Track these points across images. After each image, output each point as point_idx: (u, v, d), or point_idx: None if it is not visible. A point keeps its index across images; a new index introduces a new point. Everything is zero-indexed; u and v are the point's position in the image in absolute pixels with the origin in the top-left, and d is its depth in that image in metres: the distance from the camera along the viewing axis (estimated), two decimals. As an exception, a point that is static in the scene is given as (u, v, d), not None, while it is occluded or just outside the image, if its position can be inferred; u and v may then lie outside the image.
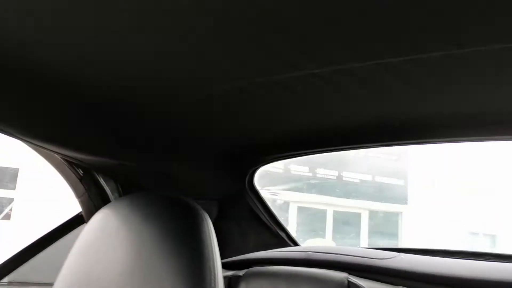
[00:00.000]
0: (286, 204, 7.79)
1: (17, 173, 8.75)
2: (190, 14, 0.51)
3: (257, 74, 0.67)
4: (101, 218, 0.75)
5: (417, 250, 1.23)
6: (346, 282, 1.03)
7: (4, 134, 0.75)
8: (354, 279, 1.03)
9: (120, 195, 0.99)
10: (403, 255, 1.11)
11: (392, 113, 0.83)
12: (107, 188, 0.97)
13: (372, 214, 7.78)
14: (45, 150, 0.87)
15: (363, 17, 0.52)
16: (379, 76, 0.67)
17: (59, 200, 8.13)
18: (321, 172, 7.59)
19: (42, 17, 0.51)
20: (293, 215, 7.51)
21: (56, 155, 0.88)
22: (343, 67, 0.64)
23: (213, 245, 0.69)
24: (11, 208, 8.66)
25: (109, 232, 0.72)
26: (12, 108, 0.69)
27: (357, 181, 7.65)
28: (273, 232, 1.35)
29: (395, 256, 1.09)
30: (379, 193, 7.69)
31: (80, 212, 1.01)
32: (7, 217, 8.62)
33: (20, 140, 0.79)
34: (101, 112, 0.74)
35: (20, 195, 8.67)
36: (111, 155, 0.88)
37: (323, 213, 7.69)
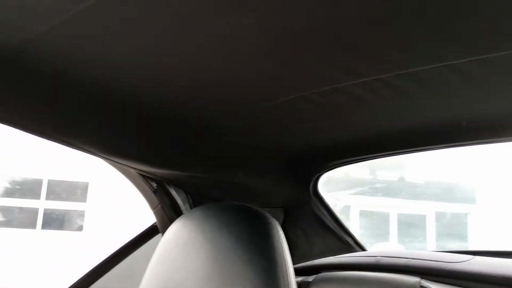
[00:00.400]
0: (347, 208, 7.68)
1: (87, 186, 9.23)
2: (253, 33, 0.54)
3: (321, 84, 0.69)
4: (177, 229, 0.79)
5: (492, 252, 1.18)
6: (419, 286, 1.01)
7: (87, 153, 0.82)
8: (427, 284, 1.01)
9: (190, 206, 1.04)
10: (477, 257, 1.08)
11: (457, 114, 0.81)
12: (178, 199, 1.02)
13: (439, 215, 7.49)
14: (121, 166, 0.93)
15: (427, 20, 0.52)
16: (444, 78, 0.67)
17: (126, 210, 8.48)
18: (383, 174, 7.42)
19: (126, 53, 0.56)
20: (354, 219, 7.38)
21: (131, 170, 0.94)
22: (408, 71, 0.65)
23: (285, 252, 0.71)
24: (83, 220, 9.13)
25: (185, 242, 0.76)
26: (94, 130, 0.75)
27: (421, 182, 7.41)
28: (339, 238, 1.34)
29: (469, 259, 1.06)
30: (445, 193, 7.39)
31: (155, 223, 1.06)
32: (80, 228, 9.10)
33: (101, 158, 0.85)
34: (173, 129, 0.79)
35: (90, 208, 9.14)
36: (182, 168, 0.92)
37: (386, 216, 7.50)
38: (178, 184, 1.00)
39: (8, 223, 9.00)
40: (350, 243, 1.37)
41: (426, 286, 1.01)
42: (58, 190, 9.22)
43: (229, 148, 0.90)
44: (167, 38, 0.54)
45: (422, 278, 1.04)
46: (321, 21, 0.52)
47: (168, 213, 1.02)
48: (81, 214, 9.15)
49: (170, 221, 1.01)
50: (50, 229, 8.99)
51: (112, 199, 8.79)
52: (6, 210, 9.01)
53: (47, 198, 9.08)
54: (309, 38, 0.56)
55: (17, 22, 0.53)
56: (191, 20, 0.51)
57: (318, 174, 1.17)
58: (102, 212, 8.91)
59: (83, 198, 9.18)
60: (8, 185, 9.15)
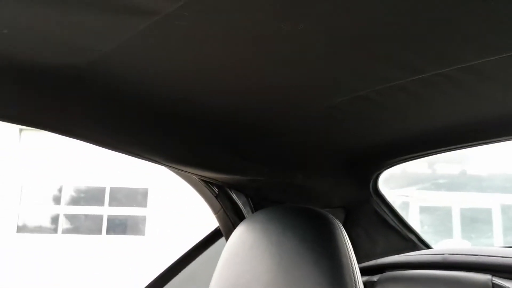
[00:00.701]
0: (406, 205, 7.47)
1: (147, 192, 9.56)
2: (308, 36, 0.54)
3: (378, 82, 0.68)
4: (241, 232, 0.81)
5: None
6: (491, 284, 0.98)
7: (152, 162, 0.86)
8: (499, 281, 0.98)
9: (251, 209, 1.05)
10: (554, 253, 1.02)
11: None
12: (239, 203, 1.04)
13: (505, 208, 7.13)
14: (183, 172, 0.97)
15: (487, 11, 0.51)
16: (506, 69, 0.64)
17: (184, 214, 8.67)
18: (443, 168, 7.16)
19: (194, 73, 0.58)
20: (414, 215, 7.17)
21: (193, 176, 0.97)
22: (468, 64, 0.63)
23: (350, 252, 0.71)
24: (145, 224, 9.46)
25: (250, 245, 0.77)
26: (159, 141, 0.78)
27: (484, 174, 7.08)
28: (403, 236, 1.32)
29: (545, 255, 1.01)
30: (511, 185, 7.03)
31: (218, 227, 1.09)
32: (142, 232, 9.44)
33: (164, 166, 0.89)
34: (232, 135, 0.81)
35: (150, 213, 9.45)
36: (242, 172, 0.94)
37: (448, 212, 7.23)
38: (239, 188, 1.02)
39: (75, 230, 9.48)
40: (414, 241, 1.34)
41: (498, 284, 0.97)
42: (119, 196, 9.61)
43: (288, 151, 0.91)
44: (225, 47, 0.56)
45: (493, 275, 1.01)
46: (377, 20, 0.52)
47: (230, 217, 1.05)
48: (142, 219, 9.48)
49: (233, 224, 1.04)
50: (114, 234, 9.38)
51: (170, 203, 9.05)
52: (73, 217, 9.50)
53: (110, 204, 9.49)
54: (365, 37, 0.56)
55: (83, 43, 0.57)
56: (249, 27, 0.52)
57: (378, 172, 1.15)
58: (162, 216, 9.19)
59: (143, 203, 9.51)
60: (73, 194, 9.64)
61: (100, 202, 9.47)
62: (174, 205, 8.96)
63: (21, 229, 9.19)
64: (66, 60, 0.60)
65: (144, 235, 9.39)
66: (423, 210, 7.16)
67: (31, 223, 9.38)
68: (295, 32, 0.54)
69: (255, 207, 1.09)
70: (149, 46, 0.57)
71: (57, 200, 9.45)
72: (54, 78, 0.65)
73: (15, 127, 8.29)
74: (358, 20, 0.52)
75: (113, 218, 9.45)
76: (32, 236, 9.20)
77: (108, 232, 9.35)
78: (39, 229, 9.40)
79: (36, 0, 0.47)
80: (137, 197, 9.66)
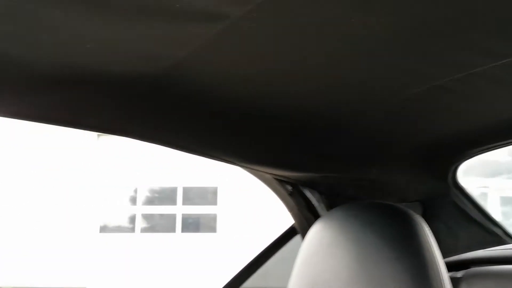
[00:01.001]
0: (484, 195, 7.07)
1: (217, 191, 9.79)
2: (389, 30, 0.53)
3: (457, 70, 0.66)
4: (318, 230, 0.81)
5: None
6: None
7: (226, 163, 0.88)
8: None
9: (326, 206, 1.05)
10: None
11: None
12: (314, 200, 1.04)
13: None
14: (257, 172, 0.98)
15: None
16: None
17: (254, 212, 8.76)
18: (524, 155, 6.70)
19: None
20: (495, 207, 6.77)
21: (267, 175, 0.99)
22: None
23: (433, 248, 0.69)
24: (216, 222, 9.69)
25: (328, 243, 0.77)
26: (234, 142, 0.80)
27: None
28: (487, 229, 1.25)
29: None
30: None
31: (293, 225, 1.10)
32: (213, 229, 9.68)
33: (239, 166, 0.91)
34: (305, 134, 0.81)
35: (221, 210, 9.67)
36: (316, 170, 0.94)
37: (534, 201, 6.76)
38: (313, 186, 1.02)
39: (152, 229, 9.90)
40: (499, 235, 1.27)
41: None
42: (191, 195, 9.91)
43: (363, 146, 0.89)
44: (301, 45, 0.56)
45: None
46: (456, 5, 0.50)
47: (305, 214, 1.05)
48: (213, 217, 9.72)
49: (308, 222, 1.04)
50: (188, 232, 9.69)
51: (239, 201, 9.20)
52: (149, 217, 9.93)
53: (183, 203, 9.81)
54: (443, 26, 0.54)
55: (156, 52, 0.59)
56: (322, 23, 0.52)
57: (457, 164, 1.10)
58: (232, 214, 9.37)
59: (213, 202, 9.75)
60: (148, 194, 10.08)
61: (173, 202, 9.82)
62: (243, 202, 9.10)
63: (103, 229, 9.75)
64: (143, 69, 0.63)
65: (215, 232, 9.62)
66: (505, 201, 6.74)
67: (111, 223, 9.93)
68: (371, 24, 0.53)
69: (330, 204, 1.08)
70: (221, 50, 0.58)
71: (133, 200, 9.93)
72: (133, 87, 0.68)
73: (93, 134, 8.80)
74: (440, 10, 0.50)
75: (186, 217, 9.77)
76: (113, 235, 9.74)
77: (182, 230, 9.67)
78: (119, 229, 9.93)
79: (113, 15, 0.50)
80: (208, 195, 9.91)
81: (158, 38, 0.55)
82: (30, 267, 9.04)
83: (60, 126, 0.77)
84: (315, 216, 1.03)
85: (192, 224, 9.83)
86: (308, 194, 1.03)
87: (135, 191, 9.94)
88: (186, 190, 9.86)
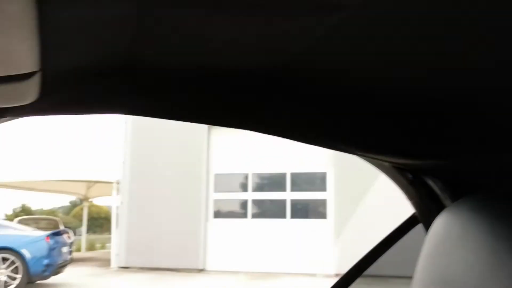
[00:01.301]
0: None
1: (325, 176, 9.75)
2: None
3: None
4: (446, 221, 0.77)
5: None
6: None
7: (345, 152, 0.87)
8: None
9: (449, 195, 0.99)
10: None
11: None
12: (436, 188, 0.98)
13: None
14: (375, 160, 0.96)
15: None
16: None
17: (365, 198, 8.56)
18: None
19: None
20: None
21: (385, 163, 0.96)
22: None
23: None
24: (325, 208, 9.67)
25: (458, 235, 0.73)
26: (354, 131, 0.80)
27: None
28: None
29: None
30: None
31: (413, 214, 1.06)
32: (323, 216, 9.67)
33: (357, 155, 0.89)
34: (431, 122, 0.77)
35: (330, 196, 9.61)
36: (438, 157, 0.89)
37: None
38: (435, 174, 0.97)
39: (262, 214, 10.20)
40: None
41: None
42: (299, 181, 10.00)
43: (493, 130, 0.83)
44: (416, 34, 0.54)
45: None
46: None
47: (427, 204, 1.00)
48: (323, 203, 9.70)
49: (430, 211, 0.99)
50: (297, 218, 9.81)
51: (349, 186, 9.06)
52: (259, 202, 10.23)
53: (292, 189, 9.94)
54: None
55: (273, 47, 0.60)
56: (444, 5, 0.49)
57: None
58: (342, 200, 9.27)
59: (322, 188, 9.73)
60: (258, 181, 10.37)
61: (282, 188, 9.99)
62: (353, 188, 8.94)
63: (217, 214, 10.27)
64: (263, 63, 0.65)
65: (325, 218, 9.61)
66: None
67: (224, 209, 10.42)
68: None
69: (454, 193, 1.02)
70: (337, 43, 0.58)
71: (244, 187, 10.29)
72: (252, 81, 0.70)
73: (205, 130, 9.27)
74: None
75: (295, 203, 9.89)
76: (227, 220, 10.22)
77: (292, 216, 9.82)
78: (232, 214, 10.38)
79: (234, 13, 0.52)
80: (316, 181, 9.92)
81: (278, 32, 0.56)
82: (154, 250, 9.86)
83: (186, 122, 0.82)
84: (438, 206, 0.97)
85: (301, 210, 9.93)
86: (430, 182, 0.98)
87: (246, 177, 10.29)
88: (294, 176, 9.96)
